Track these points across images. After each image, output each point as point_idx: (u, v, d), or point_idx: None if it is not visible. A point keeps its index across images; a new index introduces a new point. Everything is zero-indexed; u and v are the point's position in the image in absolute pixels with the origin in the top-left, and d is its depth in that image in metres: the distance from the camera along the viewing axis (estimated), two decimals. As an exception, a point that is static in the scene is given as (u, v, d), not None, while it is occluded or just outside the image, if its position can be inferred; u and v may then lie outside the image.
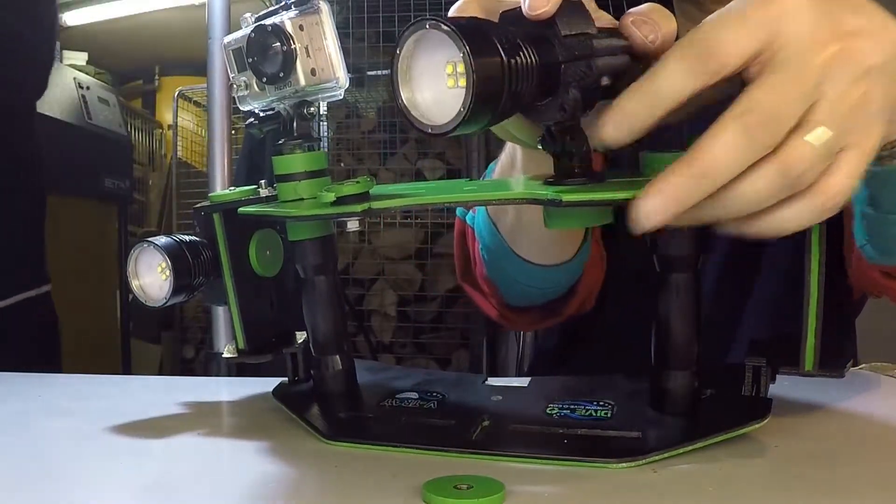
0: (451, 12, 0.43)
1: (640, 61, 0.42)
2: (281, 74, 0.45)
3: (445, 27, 0.34)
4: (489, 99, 0.35)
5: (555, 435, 0.44)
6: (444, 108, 0.36)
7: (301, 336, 0.55)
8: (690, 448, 0.41)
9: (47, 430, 0.50)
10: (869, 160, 0.37)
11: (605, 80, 0.39)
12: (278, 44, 0.44)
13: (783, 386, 0.54)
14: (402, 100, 0.38)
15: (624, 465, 0.40)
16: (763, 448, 0.43)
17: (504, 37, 0.36)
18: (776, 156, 0.35)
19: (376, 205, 0.42)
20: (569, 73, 0.38)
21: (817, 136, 0.35)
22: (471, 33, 0.34)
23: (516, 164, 0.59)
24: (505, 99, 0.36)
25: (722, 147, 0.35)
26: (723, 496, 0.37)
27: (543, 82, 0.38)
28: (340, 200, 0.42)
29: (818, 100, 0.35)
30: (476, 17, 0.40)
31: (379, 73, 2.31)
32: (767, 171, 0.35)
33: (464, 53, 0.34)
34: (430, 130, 0.37)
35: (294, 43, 0.44)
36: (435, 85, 0.37)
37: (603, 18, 0.43)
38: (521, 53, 0.36)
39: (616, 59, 0.40)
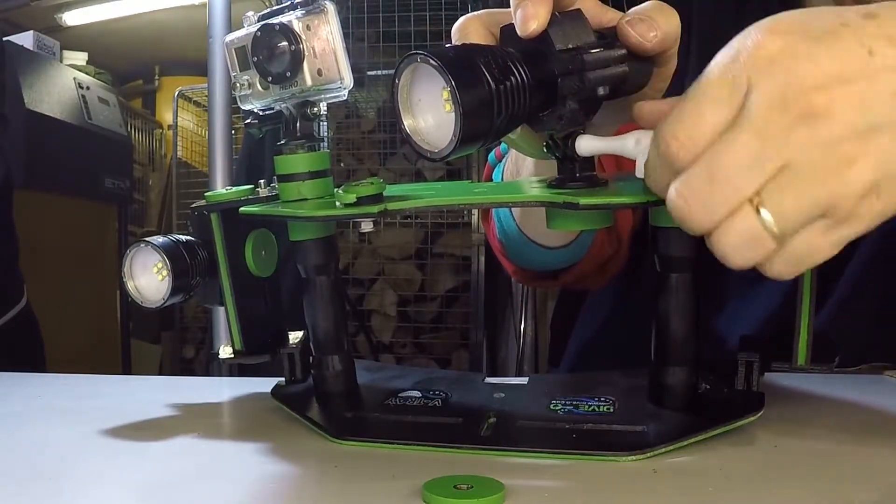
0: (454, 31, 0.45)
1: (643, 62, 0.43)
2: (288, 74, 0.45)
3: (433, 62, 0.36)
4: (480, 125, 0.37)
5: (562, 430, 0.45)
6: (446, 131, 0.38)
7: (295, 336, 0.55)
8: (692, 440, 0.42)
9: (47, 429, 0.50)
10: (848, 237, 0.34)
11: (601, 91, 0.40)
12: (286, 43, 0.44)
13: (783, 385, 0.54)
14: (405, 127, 0.40)
15: (632, 458, 0.41)
16: (764, 445, 0.43)
17: (495, 61, 0.37)
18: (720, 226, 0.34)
19: (392, 206, 0.42)
20: (564, 86, 0.40)
21: (765, 218, 0.33)
22: (458, 65, 0.36)
23: (521, 169, 0.60)
24: (497, 122, 0.37)
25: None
26: (724, 490, 0.37)
27: (541, 96, 0.39)
28: (359, 201, 0.42)
29: (782, 166, 0.32)
30: (467, 45, 0.42)
31: (379, 73, 2.31)
32: (715, 242, 0.35)
33: (450, 88, 0.36)
34: (429, 155, 0.39)
35: (302, 42, 0.44)
36: (435, 110, 0.39)
37: (610, 15, 0.43)
38: (512, 76, 0.38)
39: (611, 69, 0.41)
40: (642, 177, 0.38)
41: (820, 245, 0.34)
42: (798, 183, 0.32)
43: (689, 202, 0.34)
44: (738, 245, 0.34)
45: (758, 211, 0.33)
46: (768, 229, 0.33)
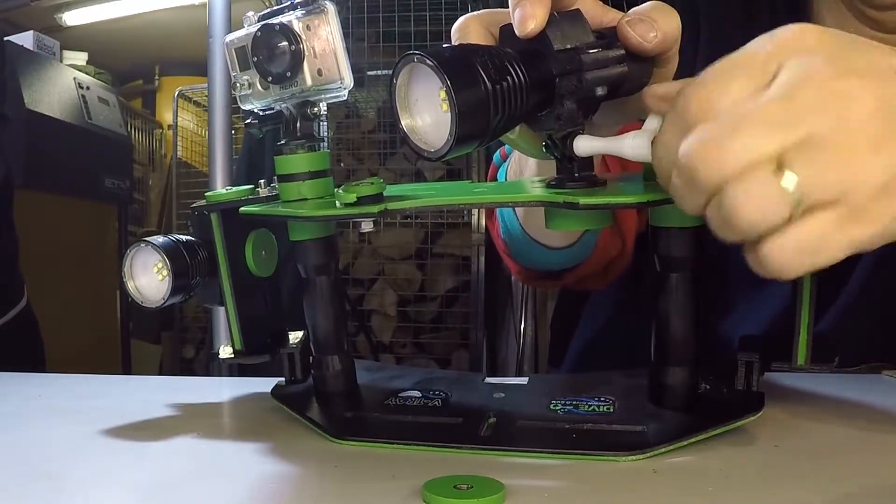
0: (453, 31, 0.45)
1: (643, 62, 0.43)
2: (288, 74, 0.45)
3: (430, 62, 0.36)
4: (476, 125, 0.37)
5: (562, 430, 0.45)
6: (443, 131, 0.38)
7: (295, 336, 0.56)
8: (693, 440, 0.42)
9: (47, 429, 0.50)
10: (860, 239, 0.32)
11: (599, 91, 0.40)
12: (286, 43, 0.44)
13: (783, 385, 0.54)
14: (403, 127, 0.40)
15: (632, 457, 0.41)
16: (764, 445, 0.43)
17: (492, 61, 0.37)
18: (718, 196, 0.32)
19: (392, 206, 0.43)
20: (562, 86, 0.40)
21: (786, 180, 0.31)
22: (454, 65, 0.36)
23: (524, 169, 0.60)
24: (494, 122, 0.37)
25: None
26: (724, 490, 0.37)
27: (539, 96, 0.40)
28: (359, 201, 0.42)
29: (808, 136, 0.31)
30: (464, 45, 0.42)
31: (379, 73, 2.31)
32: (710, 211, 0.33)
33: (446, 88, 0.36)
34: (427, 155, 0.39)
35: (302, 43, 0.44)
36: (433, 109, 0.39)
37: (610, 15, 0.43)
38: (509, 76, 0.38)
39: (609, 70, 0.41)
40: (645, 154, 0.38)
41: (831, 239, 0.32)
42: (822, 156, 0.31)
43: (708, 149, 0.31)
44: (751, 195, 0.31)
45: (778, 172, 0.31)
46: (786, 192, 0.31)
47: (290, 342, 0.55)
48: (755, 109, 0.32)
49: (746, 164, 0.31)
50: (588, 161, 0.42)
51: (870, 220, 0.32)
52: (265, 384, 0.56)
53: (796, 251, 0.32)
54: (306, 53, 0.44)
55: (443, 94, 0.37)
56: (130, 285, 0.51)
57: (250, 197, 0.51)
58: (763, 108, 0.32)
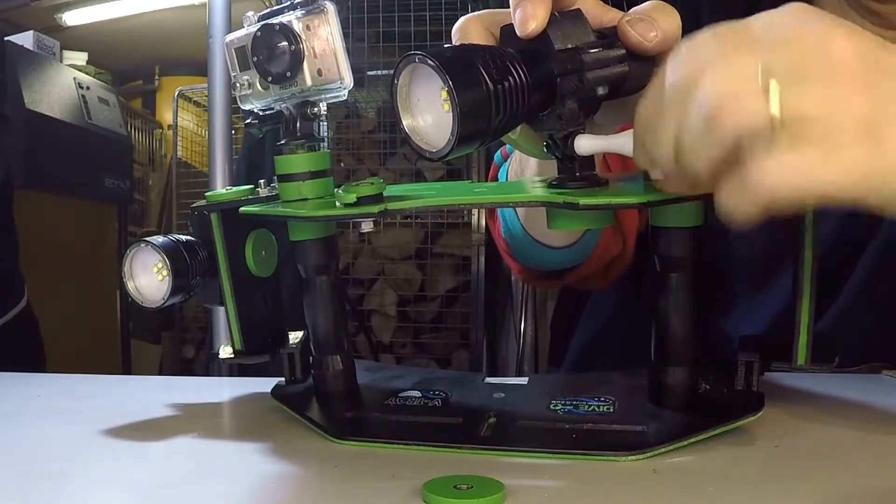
0: (454, 32, 0.45)
1: (644, 62, 0.43)
2: (288, 74, 0.45)
3: (431, 62, 0.36)
4: (478, 125, 0.37)
5: (562, 430, 0.45)
6: (445, 131, 0.38)
7: (295, 336, 0.55)
8: (693, 440, 0.42)
9: (47, 429, 0.50)
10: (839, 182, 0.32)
11: (601, 91, 0.40)
12: (286, 43, 0.44)
13: (783, 385, 0.54)
14: (404, 127, 0.40)
15: (632, 457, 0.41)
16: (764, 445, 0.43)
17: (493, 61, 0.37)
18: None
19: (392, 206, 0.43)
20: (564, 85, 0.40)
21: (772, 90, 0.32)
22: (456, 66, 0.36)
23: (525, 169, 0.60)
24: (495, 122, 0.37)
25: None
26: (724, 490, 0.37)
27: (541, 95, 0.40)
28: (359, 201, 0.42)
29: (796, 65, 0.32)
30: (465, 45, 0.42)
31: (379, 72, 2.31)
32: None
33: (448, 88, 0.36)
34: (428, 155, 0.39)
35: (302, 43, 0.44)
36: (434, 109, 0.39)
37: (611, 15, 0.43)
38: (510, 76, 0.38)
39: (610, 69, 0.41)
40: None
41: (814, 169, 0.32)
42: (807, 78, 0.32)
43: (697, 68, 0.33)
44: (736, 102, 0.32)
45: (764, 89, 0.32)
46: (770, 102, 0.32)
47: (290, 342, 0.55)
48: (746, 39, 0.33)
49: (732, 77, 0.32)
50: (589, 161, 0.42)
51: (852, 159, 0.32)
52: (265, 384, 0.56)
53: (780, 174, 0.32)
54: (306, 53, 0.44)
55: (444, 95, 0.37)
56: (130, 285, 0.51)
57: (250, 197, 0.51)
58: (753, 38, 0.33)
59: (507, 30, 0.42)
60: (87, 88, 2.29)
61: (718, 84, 0.32)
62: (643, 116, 0.37)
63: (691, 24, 0.43)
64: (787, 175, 0.32)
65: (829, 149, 0.32)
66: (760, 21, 0.34)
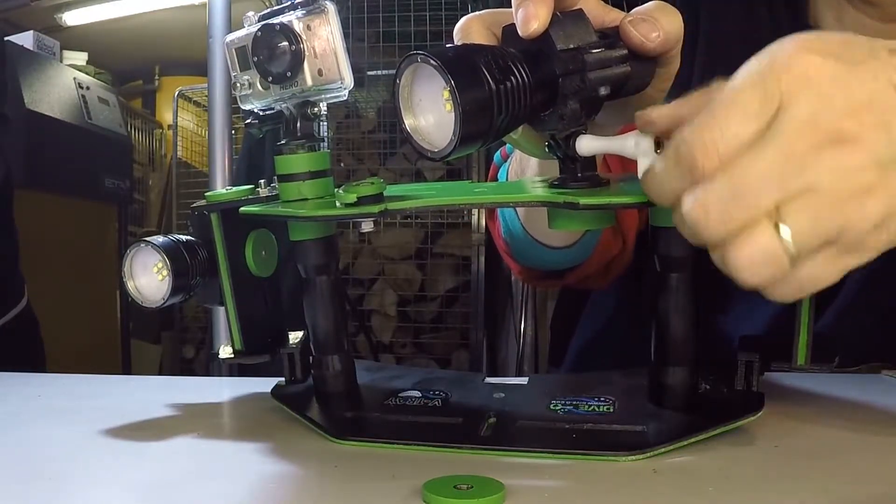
0: (455, 31, 0.45)
1: (646, 62, 0.43)
2: (288, 74, 0.45)
3: (433, 62, 0.36)
4: (480, 125, 0.37)
5: (562, 430, 0.45)
6: (447, 131, 0.38)
7: (295, 336, 0.55)
8: (693, 440, 0.42)
9: (47, 429, 0.50)
10: (851, 264, 0.34)
11: (602, 91, 0.40)
12: (286, 43, 0.44)
13: (783, 385, 0.54)
14: (406, 127, 0.40)
15: (632, 457, 0.41)
16: (764, 445, 0.43)
17: (495, 61, 0.37)
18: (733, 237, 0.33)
19: (392, 206, 0.42)
20: (565, 85, 0.40)
21: (784, 236, 0.32)
22: (458, 65, 0.36)
23: (525, 169, 0.61)
24: (497, 122, 0.37)
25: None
26: (724, 490, 0.37)
27: (543, 95, 0.39)
28: (359, 201, 0.42)
29: (805, 187, 0.32)
30: (467, 45, 0.42)
31: (379, 73, 2.31)
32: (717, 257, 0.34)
33: (450, 88, 0.36)
34: (430, 155, 0.39)
35: (302, 42, 0.44)
36: (436, 109, 0.39)
37: (613, 15, 0.43)
38: (512, 76, 0.38)
39: (612, 69, 0.41)
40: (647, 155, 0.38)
41: (826, 272, 0.33)
42: (819, 205, 0.32)
43: (709, 212, 0.33)
44: (753, 260, 0.33)
45: (776, 228, 0.32)
46: (785, 247, 0.32)
47: (290, 342, 0.55)
48: (755, 166, 0.32)
49: (744, 225, 0.33)
50: (591, 161, 0.42)
51: (864, 250, 0.33)
52: (265, 384, 0.56)
53: (793, 288, 0.34)
54: (306, 53, 0.44)
55: (446, 94, 0.37)
56: (130, 285, 0.51)
57: (250, 197, 0.51)
58: (763, 164, 0.32)
59: (509, 30, 0.42)
60: (87, 88, 2.29)
61: (734, 243, 0.33)
62: (659, 198, 0.36)
63: (689, 23, 0.43)
64: (798, 289, 0.34)
65: (841, 252, 0.33)
66: (767, 106, 0.33)
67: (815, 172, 0.32)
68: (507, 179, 0.67)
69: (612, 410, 0.47)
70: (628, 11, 0.43)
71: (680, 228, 0.35)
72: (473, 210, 2.06)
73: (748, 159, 0.32)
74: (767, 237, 0.32)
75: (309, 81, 0.45)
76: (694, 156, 0.33)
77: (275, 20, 0.45)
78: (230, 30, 1.29)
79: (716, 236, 0.33)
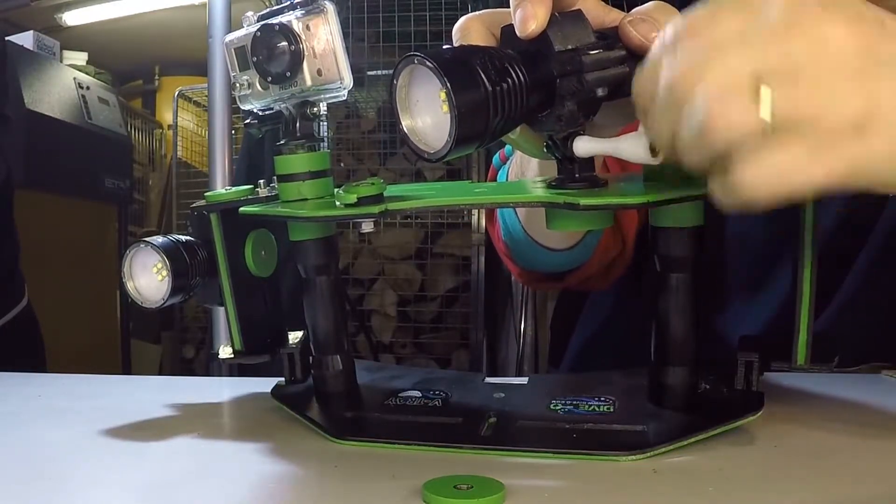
0: (454, 32, 0.45)
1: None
2: (287, 74, 0.45)
3: (430, 63, 0.36)
4: (476, 126, 0.37)
5: (562, 430, 0.45)
6: (443, 132, 0.38)
7: (295, 336, 0.55)
8: (693, 440, 0.42)
9: (47, 429, 0.50)
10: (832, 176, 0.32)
11: (600, 92, 0.40)
12: (285, 43, 0.44)
13: (783, 384, 0.54)
14: (403, 128, 0.40)
15: (632, 457, 0.41)
16: (764, 445, 0.43)
17: (492, 63, 0.37)
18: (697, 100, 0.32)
19: (392, 206, 0.43)
20: (563, 86, 0.40)
21: (763, 96, 0.31)
22: (454, 67, 0.36)
23: (526, 171, 0.60)
24: (493, 123, 0.37)
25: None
26: (724, 490, 0.37)
27: (540, 97, 0.40)
28: (359, 201, 0.42)
29: (788, 62, 0.32)
30: (464, 46, 0.42)
31: (379, 73, 2.31)
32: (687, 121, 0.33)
33: (446, 89, 0.36)
34: (427, 156, 0.39)
35: (302, 43, 0.44)
36: (433, 110, 0.39)
37: (612, 15, 0.43)
38: (509, 78, 0.38)
39: (610, 70, 0.41)
40: (644, 156, 0.38)
41: (801, 167, 0.32)
42: (798, 78, 0.31)
43: (689, 66, 0.32)
44: (726, 113, 0.32)
45: (756, 92, 0.32)
46: (760, 108, 0.31)
47: (290, 342, 0.55)
48: (738, 36, 0.32)
49: (724, 82, 0.32)
50: (590, 162, 0.42)
51: (840, 155, 0.32)
52: (265, 384, 0.56)
53: (767, 175, 0.32)
54: (306, 53, 0.44)
55: (443, 96, 0.37)
56: (130, 285, 0.51)
57: (250, 197, 0.51)
58: (745, 32, 0.32)
59: (508, 30, 0.42)
60: (87, 88, 2.29)
61: (710, 92, 0.32)
62: (641, 99, 0.36)
63: None
64: (772, 177, 0.32)
65: (817, 146, 0.32)
66: (756, 6, 0.33)
67: (798, 46, 0.32)
68: (506, 181, 0.67)
69: (612, 410, 0.47)
70: (628, 11, 0.43)
71: (654, 112, 0.34)
72: (473, 210, 2.06)
73: (726, 21, 0.33)
74: (744, 93, 0.32)
75: (308, 81, 0.45)
76: (676, 30, 0.34)
77: (274, 20, 0.45)
78: (230, 30, 1.29)
79: (692, 92, 0.32)
